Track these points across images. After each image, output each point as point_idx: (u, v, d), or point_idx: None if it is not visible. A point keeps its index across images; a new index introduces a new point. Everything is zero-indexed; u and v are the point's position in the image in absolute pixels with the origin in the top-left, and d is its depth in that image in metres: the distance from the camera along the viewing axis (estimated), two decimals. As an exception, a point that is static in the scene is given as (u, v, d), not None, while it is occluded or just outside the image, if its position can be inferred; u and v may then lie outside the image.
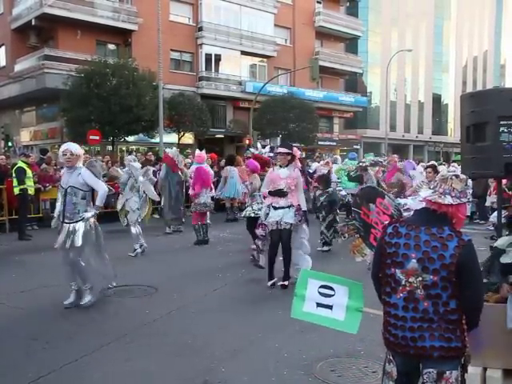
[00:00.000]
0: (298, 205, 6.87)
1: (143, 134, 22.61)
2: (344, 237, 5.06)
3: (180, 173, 11.76)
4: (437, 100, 54.11)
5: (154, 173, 14.40)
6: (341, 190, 12.01)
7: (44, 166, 12.98)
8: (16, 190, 11.09)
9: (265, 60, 33.24)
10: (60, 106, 21.76)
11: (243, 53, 31.54)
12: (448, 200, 2.60)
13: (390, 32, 46.48)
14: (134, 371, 4.30)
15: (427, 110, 52.39)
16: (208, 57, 30.15)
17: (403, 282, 2.56)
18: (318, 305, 3.09)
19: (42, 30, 25.88)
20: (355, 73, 40.31)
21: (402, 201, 4.66)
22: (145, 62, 22.20)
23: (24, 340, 4.96)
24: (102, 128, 20.35)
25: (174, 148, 12.45)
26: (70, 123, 21.38)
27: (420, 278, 2.52)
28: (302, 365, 4.38)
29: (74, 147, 5.91)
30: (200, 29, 29.67)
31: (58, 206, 6.06)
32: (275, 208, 6.82)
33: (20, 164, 11.29)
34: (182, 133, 26.16)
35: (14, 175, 11.19)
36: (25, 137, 28.97)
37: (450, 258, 2.48)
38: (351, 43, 40.83)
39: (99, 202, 6.01)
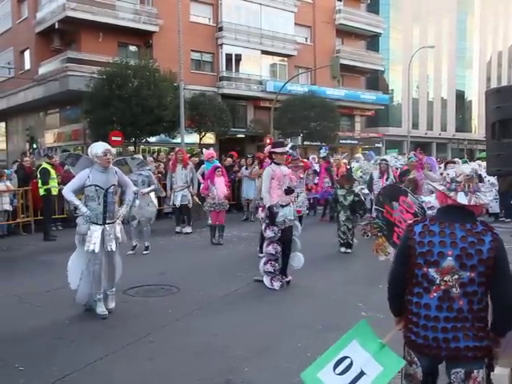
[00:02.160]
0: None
1: (164, 134, 22.76)
2: (367, 235, 5.00)
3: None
4: (460, 97, 53.25)
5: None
6: (363, 189, 11.92)
7: (67, 167, 13.15)
8: (41, 191, 11.29)
9: (285, 59, 33.16)
10: (83, 107, 22.05)
11: (263, 52, 31.52)
12: (484, 199, 2.60)
13: (411, 29, 45.92)
14: (156, 370, 4.33)
15: (450, 106, 51.61)
16: (228, 57, 30.22)
17: (437, 281, 2.51)
18: (351, 383, 2.58)
19: (65, 33, 26.25)
20: (377, 70, 39.94)
21: (425, 198, 4.58)
22: (166, 63, 22.35)
23: (49, 339, 5.03)
24: (124, 129, 20.55)
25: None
26: (93, 125, 21.66)
27: (456, 276, 2.48)
28: (325, 365, 4.34)
29: (110, 147, 5.85)
30: (220, 29, 29.75)
31: (94, 208, 5.61)
32: (282, 206, 6.85)
33: (44, 165, 11.49)
34: (203, 133, 26.27)
35: (38, 176, 11.38)
36: (49, 139, 29.44)
37: (487, 253, 2.46)
38: (372, 41, 40.45)
39: (131, 199, 6.06)
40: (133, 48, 27.70)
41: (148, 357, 4.58)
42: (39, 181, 11.34)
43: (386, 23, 40.81)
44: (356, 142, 37.49)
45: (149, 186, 9.32)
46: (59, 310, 5.82)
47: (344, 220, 9.34)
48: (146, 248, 9.40)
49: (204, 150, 12.63)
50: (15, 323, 5.44)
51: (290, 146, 9.66)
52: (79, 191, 5.79)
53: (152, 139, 23.51)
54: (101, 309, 5.67)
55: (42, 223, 11.60)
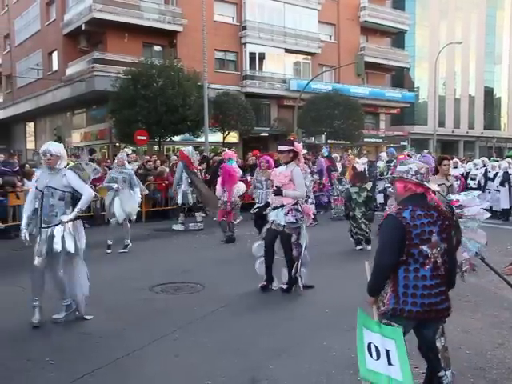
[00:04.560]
0: (295, 204, 6.49)
1: (189, 133, 22.93)
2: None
3: (195, 170, 12.00)
4: (489, 93, 52.15)
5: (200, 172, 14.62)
6: (389, 187, 11.87)
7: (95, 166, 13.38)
8: (68, 190, 11.48)
9: (309, 57, 33.03)
10: (108, 107, 22.34)
11: (287, 50, 31.46)
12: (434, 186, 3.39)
13: (438, 25, 45.20)
14: (182, 366, 4.37)
15: (478, 104, 50.59)
16: (252, 55, 30.25)
17: (429, 255, 3.06)
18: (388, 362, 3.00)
19: (92, 35, 26.65)
20: (402, 68, 39.47)
21: (453, 197, 4.50)
22: (190, 63, 22.50)
23: (78, 334, 5.13)
24: (149, 128, 20.76)
25: (190, 147, 12.66)
26: (118, 124, 21.94)
27: (439, 248, 3.08)
28: (351, 364, 4.29)
29: (55, 148, 5.50)
30: (244, 28, 29.79)
31: (29, 211, 5.52)
32: (273, 208, 6.63)
33: (71, 164, 11.68)
34: (226, 132, 26.38)
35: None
36: (76, 138, 29.93)
37: (450, 227, 3.20)
38: (398, 37, 39.99)
39: (82, 204, 5.50)
40: (157, 48, 27.95)
41: (174, 353, 4.62)
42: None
43: (412, 19, 40.28)
44: (381, 140, 37.12)
45: (130, 184, 9.43)
46: (87, 306, 5.90)
47: (361, 217, 9.47)
48: (125, 247, 9.46)
49: (226, 150, 12.81)
50: (45, 318, 5.53)
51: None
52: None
53: (176, 138, 23.69)
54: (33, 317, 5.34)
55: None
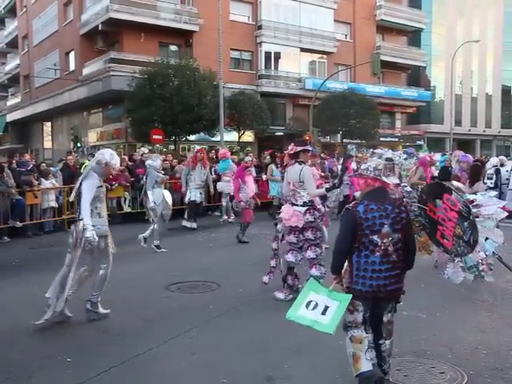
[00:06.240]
0: None
1: (204, 132, 23.01)
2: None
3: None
4: (506, 92, 51.37)
5: (215, 171, 14.70)
6: (406, 186, 11.76)
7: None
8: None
9: (324, 56, 32.92)
10: (124, 107, 22.50)
11: (303, 50, 31.39)
12: (393, 179, 4.03)
13: (455, 23, 44.68)
14: (199, 365, 4.40)
15: (496, 102, 49.93)
16: (267, 55, 30.25)
17: (379, 244, 3.49)
18: (322, 313, 3.56)
19: (108, 35, 26.85)
20: (418, 66, 39.17)
21: (470, 196, 4.46)
22: (205, 62, 22.57)
23: (96, 332, 5.19)
24: (165, 127, 20.89)
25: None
26: (134, 123, 22.09)
27: (390, 238, 3.50)
28: (366, 364, 4.30)
29: None
30: (259, 27, 29.79)
31: (103, 209, 5.76)
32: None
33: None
34: (242, 131, 26.41)
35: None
36: (92, 137, 30.19)
37: (405, 218, 3.58)
38: (414, 36, 39.67)
39: None
40: (173, 47, 28.07)
41: (191, 351, 4.66)
42: (85, 178, 11.64)
43: (429, 18, 39.89)
44: (396, 139, 36.85)
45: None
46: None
47: None
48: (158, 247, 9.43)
49: (220, 148, 12.97)
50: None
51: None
52: None
53: (192, 137, 23.79)
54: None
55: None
